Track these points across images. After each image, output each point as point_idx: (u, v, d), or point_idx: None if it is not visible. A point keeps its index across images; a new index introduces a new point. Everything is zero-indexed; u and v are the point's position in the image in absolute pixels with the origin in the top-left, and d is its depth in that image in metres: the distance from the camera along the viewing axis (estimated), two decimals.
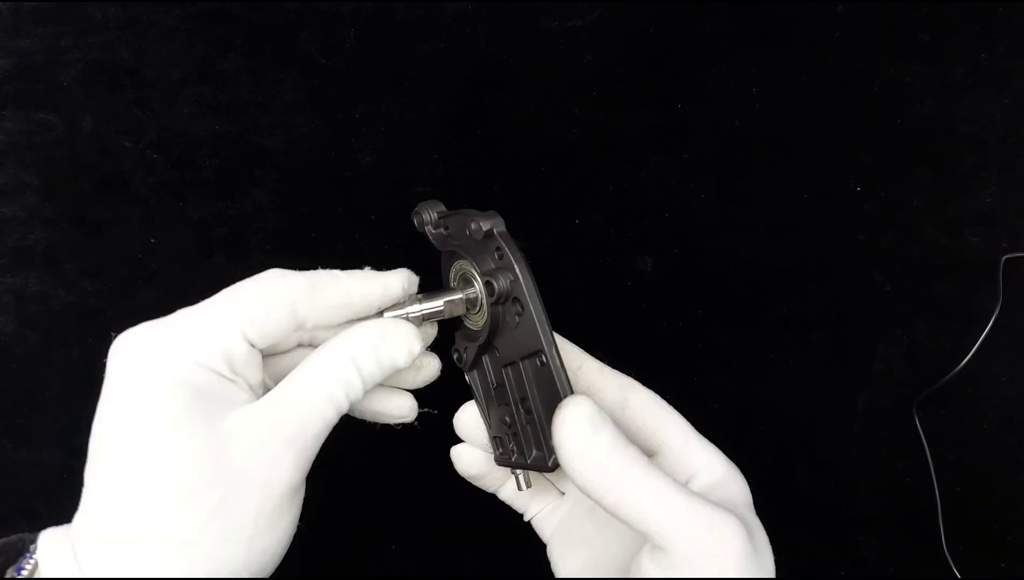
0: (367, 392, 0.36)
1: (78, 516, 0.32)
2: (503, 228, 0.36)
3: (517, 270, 0.35)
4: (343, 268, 0.36)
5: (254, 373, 0.35)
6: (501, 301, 0.36)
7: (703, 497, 0.32)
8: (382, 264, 0.38)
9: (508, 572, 0.54)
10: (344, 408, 0.35)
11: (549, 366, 0.34)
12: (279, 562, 0.35)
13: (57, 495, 0.51)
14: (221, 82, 0.58)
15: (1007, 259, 0.56)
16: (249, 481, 0.32)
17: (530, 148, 0.58)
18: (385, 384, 0.39)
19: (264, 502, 0.33)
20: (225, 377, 0.33)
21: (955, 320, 0.55)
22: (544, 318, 0.35)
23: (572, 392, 0.34)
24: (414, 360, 0.36)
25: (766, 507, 0.35)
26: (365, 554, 0.49)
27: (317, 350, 0.35)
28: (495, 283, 0.35)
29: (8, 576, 0.31)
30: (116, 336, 0.34)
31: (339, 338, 0.36)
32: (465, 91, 0.59)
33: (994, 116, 0.59)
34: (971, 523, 0.52)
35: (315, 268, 0.36)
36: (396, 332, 0.36)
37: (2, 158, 0.57)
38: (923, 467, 0.53)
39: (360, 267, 0.37)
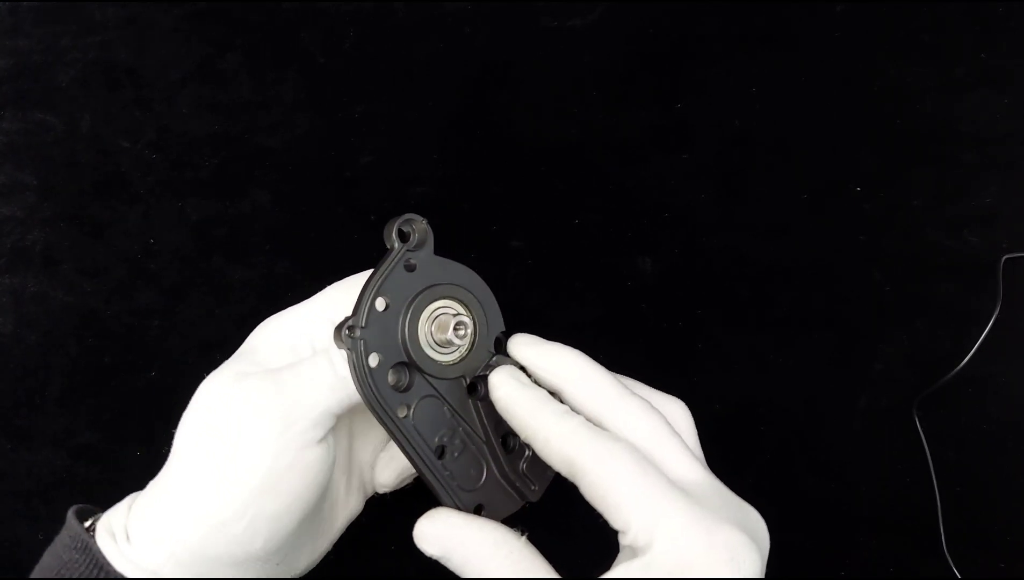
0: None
1: (157, 498, 0.34)
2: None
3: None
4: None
5: None
6: None
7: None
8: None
9: None
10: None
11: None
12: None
13: (56, 496, 0.51)
14: (221, 82, 0.58)
15: (1007, 259, 0.56)
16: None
17: (530, 148, 0.58)
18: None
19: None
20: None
21: (955, 320, 0.55)
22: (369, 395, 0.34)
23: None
24: None
25: (766, 507, 0.35)
26: (365, 554, 0.48)
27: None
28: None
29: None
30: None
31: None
32: (465, 91, 0.59)
33: (994, 116, 0.59)
34: (971, 523, 0.52)
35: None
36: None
37: (0, 158, 0.57)
38: (923, 467, 0.53)
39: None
